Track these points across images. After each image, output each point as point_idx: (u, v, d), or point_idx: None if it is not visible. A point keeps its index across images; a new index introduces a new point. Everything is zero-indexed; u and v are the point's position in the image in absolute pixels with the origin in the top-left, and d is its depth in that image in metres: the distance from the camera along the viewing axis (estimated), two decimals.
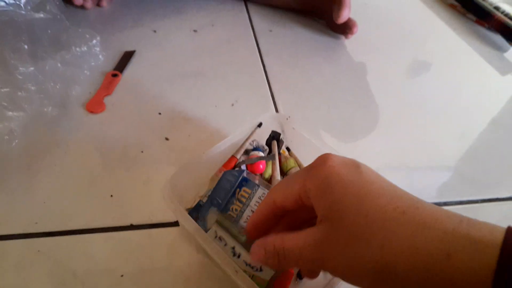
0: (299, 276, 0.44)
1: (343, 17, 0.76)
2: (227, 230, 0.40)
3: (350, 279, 0.26)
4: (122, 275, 0.42)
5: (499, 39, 0.99)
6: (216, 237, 0.40)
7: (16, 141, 0.51)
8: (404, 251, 0.23)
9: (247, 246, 0.39)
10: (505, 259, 0.20)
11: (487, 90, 0.83)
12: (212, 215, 0.42)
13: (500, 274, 0.20)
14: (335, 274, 0.27)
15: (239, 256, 0.38)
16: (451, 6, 1.09)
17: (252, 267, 0.38)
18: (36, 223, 0.45)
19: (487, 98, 0.81)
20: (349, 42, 0.85)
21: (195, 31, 0.78)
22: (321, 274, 0.45)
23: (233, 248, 0.39)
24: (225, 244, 0.39)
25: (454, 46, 0.95)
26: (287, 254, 0.29)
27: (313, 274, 0.35)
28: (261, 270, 0.38)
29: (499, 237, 0.21)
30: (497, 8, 1.02)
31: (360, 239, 0.24)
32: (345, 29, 0.82)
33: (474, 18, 1.04)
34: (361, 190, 0.26)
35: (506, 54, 0.96)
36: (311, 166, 0.30)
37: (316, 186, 0.28)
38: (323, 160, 0.29)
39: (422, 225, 0.23)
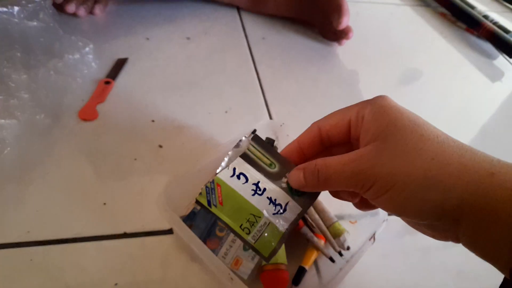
0: (295, 283, 0.44)
1: (344, 23, 0.78)
2: (254, 163, 0.33)
3: (393, 188, 0.26)
4: (116, 284, 0.42)
5: (488, 47, 1.01)
6: (233, 175, 0.33)
7: (8, 149, 0.51)
8: (452, 164, 0.24)
9: (276, 176, 0.33)
10: None
11: (477, 98, 0.85)
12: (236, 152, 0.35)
13: None
14: (377, 185, 0.26)
15: (262, 193, 0.32)
16: (442, 15, 1.10)
17: (275, 207, 0.32)
18: (28, 231, 0.44)
19: (477, 105, 0.83)
20: (342, 51, 0.86)
21: (188, 38, 0.78)
22: (316, 282, 0.45)
23: (257, 183, 0.32)
24: (246, 181, 0.32)
25: (445, 54, 0.96)
26: (329, 170, 0.29)
27: (352, 197, 0.33)
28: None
29: None
30: (485, 16, 1.04)
31: (412, 151, 0.25)
32: (340, 35, 0.82)
33: (464, 27, 1.06)
34: (417, 118, 0.28)
35: (495, 62, 0.97)
36: (365, 100, 0.31)
37: (371, 111, 0.29)
38: (377, 96, 0.31)
39: (470, 149, 0.26)
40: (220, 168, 0.33)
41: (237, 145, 0.34)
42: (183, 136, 0.59)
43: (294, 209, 0.32)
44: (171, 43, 0.76)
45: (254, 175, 0.32)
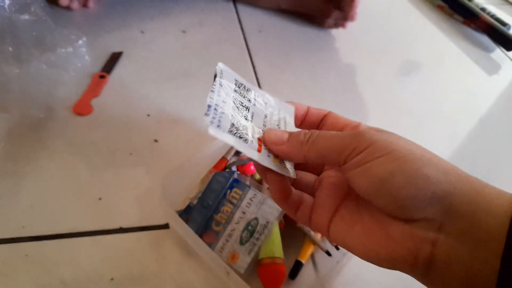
0: (292, 276, 0.44)
1: (357, 2, 0.79)
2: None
3: (389, 154, 0.24)
4: (112, 279, 0.41)
5: (485, 39, 1.01)
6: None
7: (2, 144, 0.50)
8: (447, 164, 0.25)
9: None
10: None
11: (475, 90, 0.84)
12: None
13: None
14: (372, 148, 0.25)
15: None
16: (439, 7, 1.10)
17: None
18: (23, 227, 0.44)
19: (475, 98, 0.82)
20: (339, 43, 0.85)
21: (183, 31, 0.77)
22: (313, 276, 0.45)
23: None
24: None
25: (442, 47, 0.96)
26: (322, 133, 0.27)
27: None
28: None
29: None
30: (483, 9, 1.03)
31: (413, 145, 0.25)
32: (346, 17, 0.82)
33: (461, 19, 1.06)
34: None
35: (492, 55, 0.97)
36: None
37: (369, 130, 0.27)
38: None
39: (466, 174, 0.25)
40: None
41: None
42: (179, 130, 0.58)
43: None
44: (166, 36, 0.75)
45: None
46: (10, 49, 0.55)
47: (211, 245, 0.43)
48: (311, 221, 0.29)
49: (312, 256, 0.47)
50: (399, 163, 0.24)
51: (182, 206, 0.47)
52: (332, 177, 0.30)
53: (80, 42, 0.62)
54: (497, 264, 0.22)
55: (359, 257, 0.27)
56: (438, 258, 0.24)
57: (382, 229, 0.25)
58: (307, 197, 0.30)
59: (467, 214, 0.23)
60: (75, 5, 0.74)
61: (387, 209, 0.25)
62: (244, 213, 0.44)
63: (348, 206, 0.28)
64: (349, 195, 0.29)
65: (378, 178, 0.24)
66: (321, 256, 0.47)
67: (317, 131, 0.27)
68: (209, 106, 0.26)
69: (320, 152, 0.26)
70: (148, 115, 0.59)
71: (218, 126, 0.26)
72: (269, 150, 0.28)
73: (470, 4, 1.02)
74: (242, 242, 0.43)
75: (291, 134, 0.28)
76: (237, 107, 0.28)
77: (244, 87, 0.30)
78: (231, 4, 0.89)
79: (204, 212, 0.45)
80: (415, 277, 0.26)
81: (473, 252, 0.23)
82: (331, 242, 0.29)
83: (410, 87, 0.80)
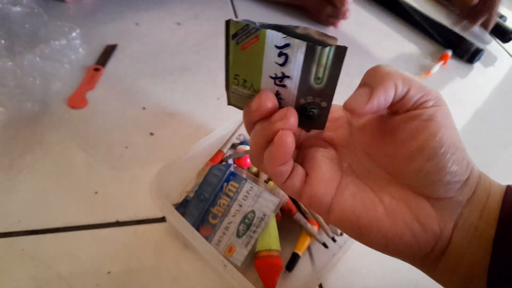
0: (288, 269, 0.45)
1: (349, 1, 0.80)
2: (309, 62, 0.25)
3: (441, 108, 0.25)
4: (109, 272, 0.41)
5: (481, 32, 1.01)
6: (280, 48, 0.25)
7: None
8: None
9: (304, 92, 0.26)
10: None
11: (470, 82, 0.85)
12: None
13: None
14: (433, 97, 0.25)
15: (279, 85, 0.26)
16: None
17: None
18: (19, 221, 0.44)
19: (470, 90, 0.83)
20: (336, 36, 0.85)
21: (178, 24, 0.77)
22: (310, 268, 0.45)
23: (285, 76, 0.25)
24: (281, 64, 0.25)
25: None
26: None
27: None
28: None
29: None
30: None
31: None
32: (337, 15, 0.82)
33: (457, 11, 1.06)
34: None
35: (488, 47, 0.97)
36: None
37: None
38: None
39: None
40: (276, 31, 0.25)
41: (326, 36, 0.25)
42: (175, 123, 0.58)
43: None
44: (161, 28, 0.74)
45: (293, 69, 0.25)
46: (3, 41, 0.54)
47: (208, 238, 0.43)
48: (302, 194, 0.26)
49: (309, 248, 0.48)
50: (457, 141, 0.24)
51: (178, 199, 0.47)
52: (324, 152, 0.28)
53: (74, 34, 0.61)
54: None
55: (373, 242, 0.25)
56: (454, 245, 0.24)
57: (407, 208, 0.24)
58: (298, 167, 0.26)
59: (483, 201, 0.24)
60: None
61: (419, 180, 0.24)
62: (240, 206, 0.44)
63: (353, 182, 0.26)
64: (347, 174, 0.27)
65: (439, 145, 0.23)
66: (317, 248, 0.47)
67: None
68: None
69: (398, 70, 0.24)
70: (144, 108, 0.59)
71: None
72: None
73: None
74: (239, 235, 0.43)
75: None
76: None
77: None
78: None
79: (201, 205, 0.45)
80: (420, 267, 0.26)
81: (481, 239, 0.24)
82: (328, 222, 0.26)
83: None
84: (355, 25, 0.90)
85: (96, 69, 0.62)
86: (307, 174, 0.26)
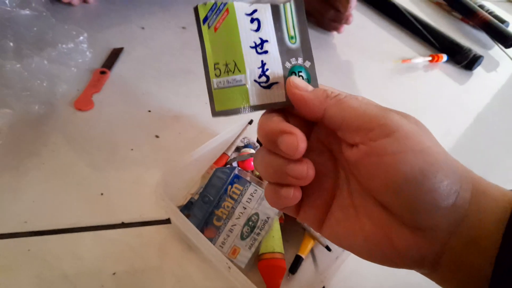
0: (292, 271, 0.45)
1: (353, 6, 0.80)
2: (278, 22, 0.26)
3: (400, 131, 0.22)
4: (114, 273, 0.42)
5: (484, 36, 1.01)
6: (249, 14, 0.26)
7: (3, 139, 0.50)
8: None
9: (288, 52, 0.26)
10: None
11: (472, 87, 0.85)
12: None
13: None
14: (385, 127, 0.22)
15: (261, 53, 0.26)
16: (437, 4, 1.10)
17: (260, 76, 0.26)
18: (25, 222, 0.44)
19: (472, 94, 0.83)
20: (337, 41, 0.86)
21: (183, 28, 0.77)
22: (313, 271, 0.46)
23: (264, 41, 0.26)
24: (255, 30, 0.26)
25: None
26: (345, 96, 0.24)
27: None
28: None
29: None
30: (481, 6, 1.04)
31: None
32: (340, 20, 0.82)
33: (460, 16, 1.06)
34: None
35: (490, 52, 0.98)
36: None
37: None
38: None
39: (473, 177, 0.24)
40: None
41: None
42: (180, 126, 0.58)
43: (276, 93, 0.26)
44: (166, 32, 0.75)
45: (268, 31, 0.26)
46: (11, 44, 0.55)
47: (212, 240, 0.43)
48: (298, 216, 0.27)
49: (312, 251, 0.48)
50: (428, 165, 0.21)
51: (183, 201, 0.47)
52: (323, 165, 0.27)
53: (81, 38, 0.62)
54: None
55: (360, 257, 0.26)
56: (444, 263, 0.23)
57: (385, 238, 0.24)
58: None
59: (474, 223, 0.23)
60: (76, 1, 0.74)
61: (397, 211, 0.23)
62: (244, 208, 0.45)
63: (341, 205, 0.26)
64: (339, 189, 0.27)
65: (403, 177, 0.21)
66: (321, 251, 0.48)
67: (346, 93, 0.25)
68: None
69: (343, 111, 0.23)
70: (149, 111, 0.60)
71: None
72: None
73: (468, 1, 1.03)
74: (243, 237, 0.44)
75: (316, 88, 0.25)
76: None
77: None
78: None
79: (205, 208, 0.45)
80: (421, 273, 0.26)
81: (476, 258, 0.23)
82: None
83: (407, 83, 0.80)
84: (355, 28, 0.90)
85: (102, 72, 0.63)
86: (302, 199, 0.26)
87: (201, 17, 0.26)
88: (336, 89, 0.26)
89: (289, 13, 0.26)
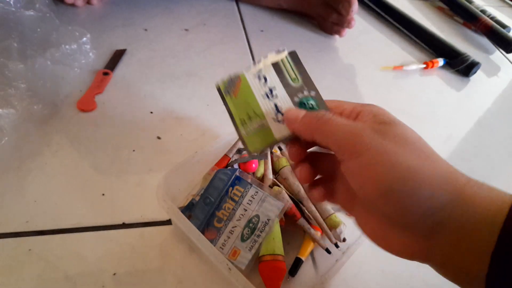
0: (292, 273, 0.45)
1: (354, 11, 0.80)
2: (280, 72, 0.33)
3: (385, 153, 0.25)
4: (114, 274, 0.42)
5: (485, 41, 1.01)
6: (257, 76, 0.33)
7: (6, 138, 0.51)
8: (442, 167, 0.26)
9: (294, 90, 0.33)
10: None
11: (473, 92, 0.85)
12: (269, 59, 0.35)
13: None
14: (370, 153, 0.25)
15: (272, 98, 0.32)
16: (439, 9, 1.10)
17: (276, 114, 0.32)
18: (27, 221, 0.45)
19: (473, 100, 0.83)
20: (340, 44, 0.86)
21: (186, 30, 0.78)
22: (313, 273, 0.46)
23: (272, 87, 0.33)
24: (264, 82, 0.33)
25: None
26: (332, 117, 0.28)
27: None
28: (278, 121, 0.32)
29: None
30: (483, 11, 1.04)
31: (413, 141, 0.27)
32: (342, 24, 0.83)
33: (462, 21, 1.06)
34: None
35: (492, 57, 0.98)
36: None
37: (371, 109, 0.30)
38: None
39: (462, 180, 0.26)
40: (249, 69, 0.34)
41: (278, 51, 0.34)
42: (182, 128, 0.59)
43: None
44: (169, 34, 0.76)
45: (274, 80, 0.33)
46: (15, 44, 0.55)
47: (212, 241, 0.44)
48: (334, 199, 0.33)
49: (312, 254, 0.48)
50: (393, 180, 0.24)
51: (184, 202, 0.47)
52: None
53: (85, 39, 0.63)
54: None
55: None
56: (433, 261, 0.26)
57: (383, 232, 0.28)
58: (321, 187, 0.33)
59: (456, 229, 0.24)
60: (80, 2, 0.75)
61: (385, 214, 0.27)
62: (245, 210, 0.45)
63: (360, 202, 0.30)
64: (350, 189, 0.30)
65: (376, 191, 0.25)
66: (321, 254, 0.48)
67: (331, 114, 0.28)
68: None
69: (326, 138, 0.28)
70: (151, 113, 0.60)
71: None
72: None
73: (470, 6, 1.03)
74: (243, 239, 0.44)
75: (307, 113, 0.29)
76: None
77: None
78: (233, 4, 0.89)
79: (206, 209, 0.45)
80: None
81: (463, 260, 0.24)
82: None
83: (408, 88, 0.80)
84: (357, 33, 0.90)
85: (105, 73, 0.63)
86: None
87: (223, 90, 0.34)
88: (327, 112, 0.30)
89: (287, 63, 0.33)
